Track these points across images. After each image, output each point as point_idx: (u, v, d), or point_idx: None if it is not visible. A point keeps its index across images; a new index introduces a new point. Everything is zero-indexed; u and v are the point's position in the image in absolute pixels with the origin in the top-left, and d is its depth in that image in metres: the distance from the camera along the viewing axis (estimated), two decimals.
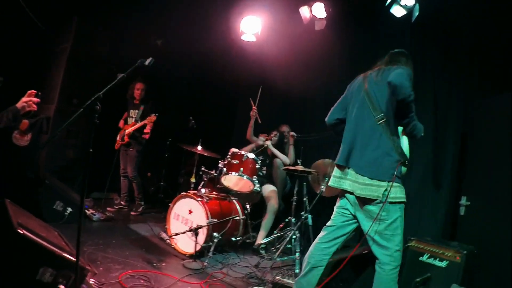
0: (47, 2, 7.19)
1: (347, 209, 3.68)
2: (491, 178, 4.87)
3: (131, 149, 7.57)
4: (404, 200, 3.43)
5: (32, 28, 7.12)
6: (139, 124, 7.36)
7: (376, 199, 3.34)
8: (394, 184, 3.31)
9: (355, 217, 3.63)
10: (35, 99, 3.87)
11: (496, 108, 5.04)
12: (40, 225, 3.72)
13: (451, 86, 5.87)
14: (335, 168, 3.76)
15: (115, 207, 7.63)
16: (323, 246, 3.77)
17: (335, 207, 3.86)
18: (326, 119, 4.13)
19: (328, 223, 3.83)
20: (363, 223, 3.52)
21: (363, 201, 3.46)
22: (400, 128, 3.65)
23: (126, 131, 7.48)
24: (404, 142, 3.65)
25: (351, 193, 3.53)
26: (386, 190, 3.30)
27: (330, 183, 3.77)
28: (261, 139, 6.85)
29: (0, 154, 6.29)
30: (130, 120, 7.64)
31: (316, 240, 3.86)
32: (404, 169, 3.43)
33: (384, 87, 3.45)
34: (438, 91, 6.00)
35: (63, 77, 7.29)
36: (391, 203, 3.34)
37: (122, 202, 7.76)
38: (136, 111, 7.64)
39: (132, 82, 7.63)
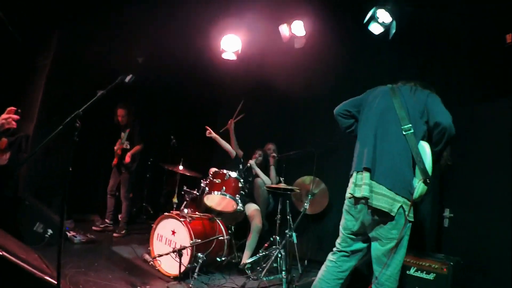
0: (28, 15, 7.08)
1: (356, 220, 3.56)
2: (473, 189, 4.92)
3: (124, 170, 7.58)
4: (413, 219, 3.35)
5: (12, 42, 7.00)
6: (132, 150, 7.54)
7: (388, 214, 3.25)
8: (407, 202, 3.25)
9: (363, 230, 3.54)
10: (15, 116, 3.79)
11: (475, 119, 5.10)
12: (19, 246, 3.62)
13: None
14: (354, 174, 3.59)
15: (100, 226, 7.52)
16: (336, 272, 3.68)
17: (341, 228, 3.75)
18: (335, 109, 4.13)
19: (337, 248, 3.73)
20: (372, 237, 3.46)
21: (375, 212, 3.36)
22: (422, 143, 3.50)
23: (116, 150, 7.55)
24: (427, 158, 3.41)
25: (365, 202, 3.41)
26: (401, 206, 3.24)
27: (354, 192, 3.51)
28: (250, 162, 6.78)
29: None
30: (122, 142, 7.67)
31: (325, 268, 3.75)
32: (425, 188, 3.29)
33: (418, 104, 3.47)
34: None
35: (43, 93, 7.16)
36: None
37: (107, 220, 7.67)
38: (124, 133, 7.68)
39: (115, 105, 7.64)
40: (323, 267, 3.75)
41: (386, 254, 3.32)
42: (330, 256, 3.74)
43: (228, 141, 7.20)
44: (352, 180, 3.58)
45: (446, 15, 5.84)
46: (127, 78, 4.12)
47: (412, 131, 3.37)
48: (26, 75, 7.59)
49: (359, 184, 3.47)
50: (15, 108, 3.81)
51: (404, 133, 3.38)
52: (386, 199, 3.25)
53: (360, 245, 3.63)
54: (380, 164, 3.38)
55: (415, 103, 3.51)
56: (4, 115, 3.74)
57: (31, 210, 5.92)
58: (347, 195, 3.62)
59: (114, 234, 7.37)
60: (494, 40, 5.30)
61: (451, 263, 4.24)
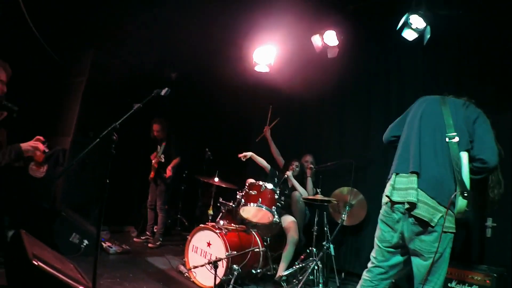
0: (63, 34, 7.23)
1: (394, 231, 3.42)
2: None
3: (160, 183, 7.67)
4: (455, 230, 3.22)
5: (48, 60, 7.16)
6: (172, 163, 7.63)
7: (428, 224, 3.12)
8: (450, 213, 3.14)
9: (403, 242, 3.38)
10: (41, 147, 3.85)
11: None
12: (55, 257, 3.63)
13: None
14: (393, 176, 3.48)
15: (141, 238, 7.63)
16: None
17: (376, 240, 3.62)
18: (384, 136, 4.02)
19: (373, 262, 3.60)
20: (412, 251, 3.31)
21: (415, 222, 3.23)
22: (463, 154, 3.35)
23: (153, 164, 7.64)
24: (464, 169, 3.26)
25: (404, 210, 3.28)
26: (442, 217, 3.11)
27: (391, 195, 3.41)
28: (287, 173, 6.71)
29: (17, 186, 6.25)
30: (157, 155, 7.75)
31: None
32: (464, 202, 3.13)
33: (468, 120, 3.40)
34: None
35: (79, 109, 7.28)
36: (444, 232, 3.13)
37: (148, 233, 7.78)
38: (160, 146, 7.79)
39: (152, 118, 7.78)
40: (358, 287, 3.63)
41: (430, 270, 3.17)
42: (365, 274, 3.61)
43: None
44: (390, 182, 3.48)
45: (480, 18, 5.73)
46: (163, 91, 4.16)
47: (457, 140, 3.26)
48: (63, 92, 7.73)
49: (399, 187, 3.34)
50: (43, 138, 3.86)
51: (447, 140, 3.28)
52: (427, 207, 3.12)
53: (398, 258, 3.47)
54: (425, 170, 3.25)
55: (465, 117, 3.41)
56: (32, 142, 3.79)
57: (67, 221, 5.99)
58: (383, 199, 3.52)
59: (150, 245, 7.40)
60: None
61: (495, 275, 4.10)
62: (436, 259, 3.13)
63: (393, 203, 3.36)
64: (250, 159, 6.92)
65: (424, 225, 3.15)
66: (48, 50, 7.03)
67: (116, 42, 7.64)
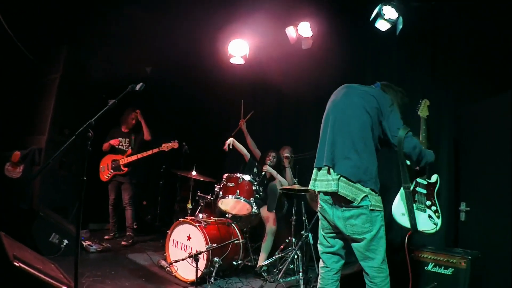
0: (36, 31, 7.14)
1: (328, 219, 3.62)
2: (489, 182, 4.86)
3: (127, 177, 7.56)
4: (382, 209, 3.40)
5: (21, 58, 7.06)
6: (150, 152, 7.45)
7: (353, 202, 3.29)
8: (372, 193, 3.33)
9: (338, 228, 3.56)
10: None
11: (485, 112, 5.07)
12: (36, 257, 3.64)
13: (440, 94, 5.94)
14: (315, 170, 3.70)
15: (110, 234, 7.59)
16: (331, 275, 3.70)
17: (319, 227, 3.81)
18: None
19: (320, 250, 3.78)
20: (346, 235, 3.46)
21: (342, 205, 3.41)
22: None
23: (123, 160, 7.46)
24: None
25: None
26: (366, 196, 3.31)
27: (317, 188, 3.62)
28: (265, 167, 6.74)
29: None
30: (123, 148, 7.61)
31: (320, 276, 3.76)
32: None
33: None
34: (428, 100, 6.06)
35: (54, 107, 7.20)
36: (372, 210, 3.31)
37: (114, 229, 7.74)
38: (127, 139, 7.65)
39: (126, 109, 7.69)
40: (319, 276, 3.78)
41: (368, 248, 3.34)
42: (321, 262, 3.77)
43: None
44: (312, 176, 3.72)
45: (453, 8, 5.82)
46: (138, 86, 4.16)
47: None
48: (37, 89, 7.65)
49: (320, 179, 3.56)
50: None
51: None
52: (351, 188, 3.29)
53: (340, 242, 3.65)
54: (345, 159, 3.43)
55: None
56: None
57: (46, 221, 5.95)
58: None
59: (123, 243, 7.33)
60: (506, 33, 5.25)
61: (469, 257, 4.19)
62: (370, 238, 3.30)
63: (320, 193, 3.57)
64: (232, 147, 6.93)
65: (348, 204, 3.32)
66: (21, 47, 6.94)
67: (89, 39, 7.58)
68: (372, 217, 3.30)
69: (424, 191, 4.05)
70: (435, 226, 3.93)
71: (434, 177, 4.18)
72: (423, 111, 4.52)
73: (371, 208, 3.28)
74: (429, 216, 3.97)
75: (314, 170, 3.66)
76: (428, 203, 4.03)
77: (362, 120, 3.44)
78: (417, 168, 4.00)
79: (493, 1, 5.34)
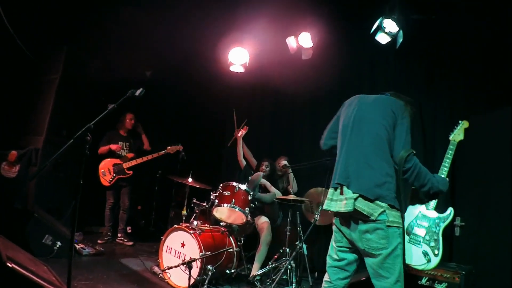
0: (37, 31, 7.13)
1: (342, 232, 3.47)
2: (484, 197, 4.88)
3: (129, 181, 7.71)
4: (401, 225, 3.21)
5: (21, 56, 7.04)
6: (156, 154, 7.72)
7: (369, 217, 3.13)
8: (390, 208, 3.17)
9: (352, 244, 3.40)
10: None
11: (479, 126, 5.08)
12: (29, 259, 3.62)
13: (436, 106, 6.02)
14: (330, 190, 3.54)
15: (105, 238, 7.54)
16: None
17: (331, 239, 3.68)
18: (321, 143, 4.02)
19: (329, 263, 3.62)
20: (361, 249, 3.29)
21: (358, 219, 3.26)
22: None
23: (127, 163, 7.58)
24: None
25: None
26: (384, 212, 3.14)
27: (332, 208, 3.44)
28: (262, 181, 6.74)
29: None
30: (121, 152, 7.66)
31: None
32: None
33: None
34: (424, 112, 6.11)
35: (52, 108, 7.14)
36: (389, 226, 3.13)
37: (109, 234, 7.70)
38: (127, 143, 7.71)
39: (123, 113, 7.76)
40: None
41: (382, 266, 3.16)
42: (326, 276, 3.62)
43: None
44: (327, 196, 3.56)
45: (453, 23, 5.87)
46: (137, 92, 4.15)
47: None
48: (35, 89, 7.59)
49: (336, 198, 3.41)
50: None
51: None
52: (368, 203, 3.16)
53: (351, 256, 3.47)
54: (360, 177, 3.29)
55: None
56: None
57: (40, 222, 5.92)
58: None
59: (129, 243, 7.58)
60: (502, 47, 5.29)
61: (463, 272, 4.19)
62: (386, 255, 3.14)
63: (336, 213, 3.45)
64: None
65: (364, 219, 3.18)
66: (21, 45, 6.93)
67: (90, 39, 7.57)
68: (389, 233, 3.13)
69: (425, 225, 3.98)
70: (426, 263, 3.86)
71: (448, 211, 4.08)
72: (456, 135, 4.39)
73: (388, 224, 3.12)
74: (424, 253, 3.91)
75: (330, 190, 3.51)
76: (427, 238, 3.97)
77: (377, 133, 3.31)
78: (424, 199, 3.86)
79: (489, 18, 5.39)
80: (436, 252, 3.94)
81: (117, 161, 7.57)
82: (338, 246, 3.53)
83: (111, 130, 7.81)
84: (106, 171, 7.50)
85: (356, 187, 3.23)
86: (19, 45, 6.86)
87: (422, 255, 3.88)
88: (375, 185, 3.18)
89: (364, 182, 3.22)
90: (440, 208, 4.33)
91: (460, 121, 4.42)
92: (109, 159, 7.60)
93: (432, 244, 3.95)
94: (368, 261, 3.27)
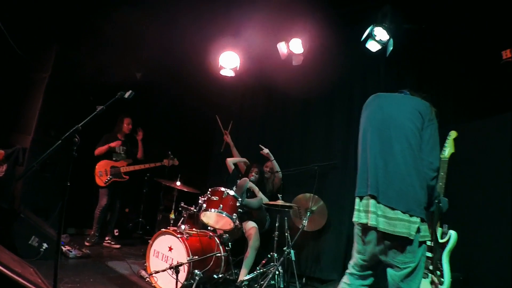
0: (28, 28, 7.08)
1: (366, 244, 3.36)
2: (470, 204, 4.89)
3: (123, 184, 7.74)
4: (430, 238, 3.21)
5: (11, 54, 6.98)
6: (153, 164, 7.91)
7: (409, 238, 3.02)
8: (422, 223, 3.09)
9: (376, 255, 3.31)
10: None
11: (471, 135, 5.11)
12: (14, 260, 3.58)
13: None
14: (357, 200, 3.41)
15: (92, 240, 7.45)
16: None
17: (353, 251, 3.55)
18: None
19: (350, 271, 3.53)
20: (386, 263, 3.24)
21: (389, 238, 3.14)
22: None
23: (125, 168, 7.65)
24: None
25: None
26: (418, 227, 3.04)
27: (362, 220, 3.31)
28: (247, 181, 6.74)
29: None
30: (118, 156, 7.70)
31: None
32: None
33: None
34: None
35: (41, 107, 7.11)
36: (420, 242, 3.11)
37: (96, 235, 7.59)
38: (123, 147, 7.79)
39: (119, 115, 7.82)
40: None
41: (404, 280, 3.11)
42: (345, 278, 3.55)
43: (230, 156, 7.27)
44: (355, 206, 3.40)
45: (442, 32, 5.92)
46: (127, 94, 4.13)
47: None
48: (25, 87, 7.54)
49: (365, 209, 3.27)
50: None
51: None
52: (403, 223, 3.03)
53: (373, 267, 3.42)
54: (389, 186, 3.15)
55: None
56: None
57: (27, 223, 5.86)
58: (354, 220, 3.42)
59: (116, 246, 7.57)
60: (490, 57, 5.35)
61: (450, 279, 4.20)
62: (411, 270, 3.09)
63: (363, 225, 3.30)
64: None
65: (402, 240, 3.07)
66: (11, 42, 6.87)
67: (81, 40, 7.54)
68: (416, 248, 3.08)
69: (429, 255, 3.93)
70: None
71: (449, 235, 4.01)
72: (448, 150, 4.30)
73: (420, 239, 3.07)
74: (432, 282, 3.85)
75: (356, 200, 3.39)
76: (431, 268, 3.92)
77: (407, 140, 3.18)
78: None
79: (479, 28, 5.45)
80: (442, 279, 3.88)
81: (115, 163, 7.55)
82: (359, 255, 3.45)
83: (108, 132, 7.80)
84: (103, 171, 7.47)
85: (386, 199, 3.13)
86: (10, 42, 6.80)
87: (429, 285, 3.84)
88: (407, 196, 3.08)
89: (395, 194, 3.10)
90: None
91: (448, 135, 4.37)
92: (106, 160, 7.58)
93: (438, 273, 3.90)
94: (391, 271, 3.21)
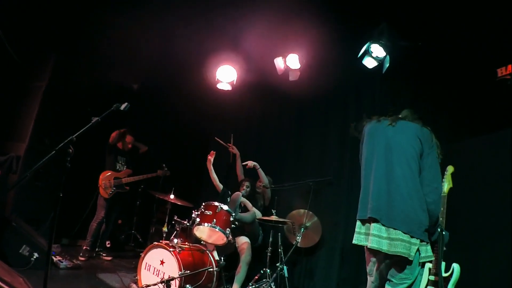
0: (25, 37, 7.09)
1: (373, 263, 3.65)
2: (469, 222, 4.86)
3: (121, 197, 7.73)
4: (433, 258, 3.34)
5: (8, 61, 6.98)
6: (150, 175, 7.94)
7: (408, 259, 3.26)
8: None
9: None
10: None
11: (464, 152, 5.10)
12: (4, 269, 3.54)
13: None
14: (358, 223, 3.69)
15: (86, 255, 7.27)
16: None
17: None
18: None
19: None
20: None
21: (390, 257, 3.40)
22: None
23: (126, 179, 7.62)
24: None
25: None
26: (418, 249, 3.27)
27: (362, 243, 3.61)
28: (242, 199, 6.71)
29: None
30: (120, 167, 7.70)
31: None
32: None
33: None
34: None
35: (37, 115, 7.12)
36: (423, 261, 3.31)
37: (88, 248, 7.42)
38: (124, 158, 7.82)
39: (110, 130, 7.69)
40: None
41: None
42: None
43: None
44: (356, 229, 3.63)
45: (438, 49, 5.95)
46: (123, 106, 4.13)
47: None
48: (21, 95, 7.55)
49: (366, 232, 3.49)
50: None
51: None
52: (404, 244, 3.21)
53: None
54: (393, 207, 3.33)
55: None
56: None
57: (18, 231, 5.81)
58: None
59: (108, 258, 7.51)
60: (486, 74, 5.37)
61: None
62: (407, 286, 3.28)
63: (366, 247, 3.51)
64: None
65: (402, 260, 3.27)
66: (9, 48, 6.87)
67: (79, 49, 7.57)
68: (416, 266, 3.29)
69: None
70: None
71: (452, 268, 3.98)
72: (446, 186, 4.30)
73: (421, 260, 3.28)
74: None
75: (358, 223, 3.58)
76: None
77: (408, 164, 3.36)
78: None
79: (474, 46, 5.48)
80: None
81: (117, 174, 7.54)
82: (369, 277, 3.67)
83: (108, 144, 7.79)
84: (107, 183, 7.42)
85: (390, 221, 3.28)
86: (8, 49, 6.80)
87: None
88: (409, 219, 3.24)
89: (398, 216, 3.26)
90: None
91: (446, 170, 4.34)
92: (109, 172, 7.53)
93: None
94: (388, 285, 3.39)
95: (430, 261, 3.34)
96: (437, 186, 3.31)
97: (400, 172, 3.34)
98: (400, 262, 3.27)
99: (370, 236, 3.33)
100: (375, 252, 3.43)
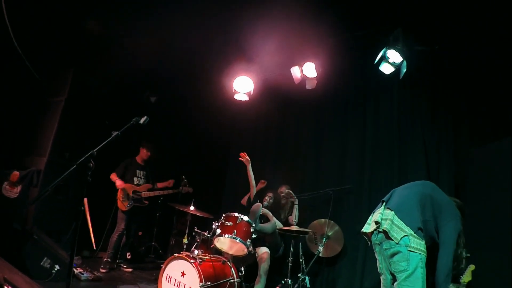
0: (45, 52, 7.20)
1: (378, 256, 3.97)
2: (488, 228, 4.79)
3: (141, 211, 7.72)
4: (422, 253, 3.53)
5: (28, 77, 7.08)
6: (171, 191, 7.92)
7: (391, 238, 3.56)
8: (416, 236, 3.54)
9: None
10: None
11: (485, 157, 5.03)
12: (26, 281, 3.56)
13: (441, 137, 6.07)
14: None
15: (106, 267, 7.24)
16: None
17: None
18: None
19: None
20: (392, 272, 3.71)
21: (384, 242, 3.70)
22: None
23: (145, 193, 7.62)
24: None
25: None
26: (406, 236, 3.52)
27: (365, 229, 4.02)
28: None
29: None
30: (138, 181, 7.67)
31: None
32: None
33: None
34: (428, 143, 6.16)
35: (57, 130, 7.22)
36: (410, 251, 3.47)
37: (109, 260, 7.40)
38: (143, 171, 7.79)
39: (130, 143, 7.82)
40: None
41: (402, 286, 3.50)
42: None
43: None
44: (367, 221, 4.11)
45: (456, 53, 5.90)
46: (142, 120, 4.15)
47: None
48: (41, 110, 7.65)
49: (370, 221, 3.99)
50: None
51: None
52: (394, 227, 3.58)
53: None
54: (396, 199, 3.92)
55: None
56: None
57: (39, 244, 5.83)
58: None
59: (129, 269, 7.53)
60: (505, 78, 5.29)
61: None
62: (405, 277, 3.47)
63: (368, 235, 3.90)
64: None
65: (394, 247, 3.57)
66: (29, 66, 6.96)
67: (97, 64, 7.65)
68: (409, 257, 3.47)
69: None
70: None
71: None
72: (465, 278, 4.40)
73: (410, 249, 3.46)
74: None
75: (370, 216, 4.03)
76: None
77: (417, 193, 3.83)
78: None
79: (492, 49, 5.42)
80: None
81: (137, 188, 7.54)
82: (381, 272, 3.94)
83: (129, 157, 7.83)
84: (125, 196, 7.43)
85: (399, 213, 3.65)
86: (27, 65, 6.89)
87: None
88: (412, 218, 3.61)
89: (404, 214, 3.67)
90: None
91: (468, 266, 4.42)
92: (129, 184, 7.53)
93: None
94: (395, 283, 3.62)
95: None
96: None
97: (410, 195, 3.88)
98: (396, 257, 3.54)
99: (376, 216, 3.80)
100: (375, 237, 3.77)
